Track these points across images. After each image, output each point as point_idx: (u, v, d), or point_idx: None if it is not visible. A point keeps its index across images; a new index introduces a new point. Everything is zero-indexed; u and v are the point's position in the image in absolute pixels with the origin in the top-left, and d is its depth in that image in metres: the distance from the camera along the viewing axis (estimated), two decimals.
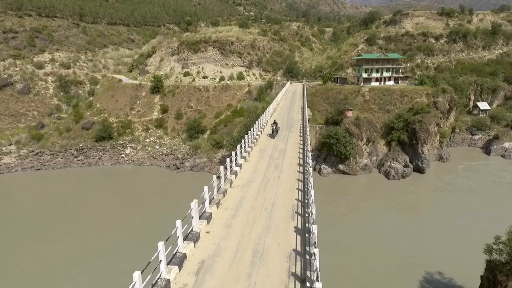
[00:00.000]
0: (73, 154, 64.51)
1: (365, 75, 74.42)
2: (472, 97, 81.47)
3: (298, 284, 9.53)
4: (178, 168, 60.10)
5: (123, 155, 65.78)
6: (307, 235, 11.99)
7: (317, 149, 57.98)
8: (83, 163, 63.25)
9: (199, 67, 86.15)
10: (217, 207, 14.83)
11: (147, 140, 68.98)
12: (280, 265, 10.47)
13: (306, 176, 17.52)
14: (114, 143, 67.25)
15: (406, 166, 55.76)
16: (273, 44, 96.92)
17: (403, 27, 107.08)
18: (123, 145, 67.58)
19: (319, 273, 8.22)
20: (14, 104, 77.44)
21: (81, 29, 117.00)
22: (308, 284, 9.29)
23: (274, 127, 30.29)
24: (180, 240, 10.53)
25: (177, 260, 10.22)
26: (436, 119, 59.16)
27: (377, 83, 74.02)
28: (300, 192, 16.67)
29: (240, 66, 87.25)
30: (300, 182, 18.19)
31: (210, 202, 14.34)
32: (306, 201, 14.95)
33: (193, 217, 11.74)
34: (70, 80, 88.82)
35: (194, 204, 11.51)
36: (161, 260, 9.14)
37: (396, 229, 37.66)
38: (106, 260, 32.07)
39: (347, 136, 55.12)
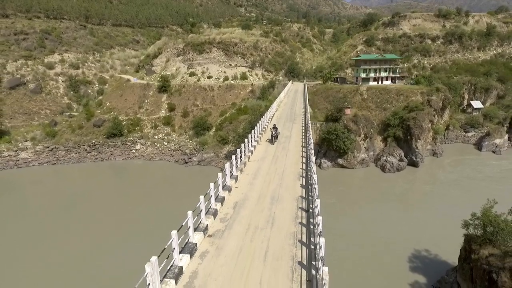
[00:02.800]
0: (86, 150, 68.12)
1: (363, 75, 77.90)
2: (466, 96, 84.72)
3: (304, 213, 13.78)
4: (186, 163, 63.67)
5: (133, 150, 69.39)
6: (309, 187, 16.09)
7: (318, 144, 61.38)
8: (96, 158, 66.90)
9: (204, 67, 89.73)
10: (241, 172, 19.09)
11: (156, 137, 72.57)
12: (291, 204, 14.80)
13: (308, 153, 21.50)
14: (124, 140, 70.86)
15: (401, 160, 59.31)
16: (275, 45, 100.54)
17: (401, 29, 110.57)
18: (133, 141, 71.17)
19: (319, 209, 11.70)
20: (27, 103, 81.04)
21: (88, 30, 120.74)
22: (310, 211, 13.32)
23: (273, 132, 28.25)
24: (220, 188, 14.78)
25: (219, 200, 14.43)
26: (429, 116, 62.68)
27: (375, 83, 77.50)
28: (303, 164, 21.00)
29: (243, 66, 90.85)
30: (304, 158, 22.43)
31: (236, 168, 18.37)
32: (308, 168, 19.03)
33: (226, 175, 15.75)
34: (79, 80, 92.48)
35: (227, 165, 15.69)
36: (211, 196, 12.97)
37: (389, 216, 41.22)
38: (136, 243, 35.34)
39: (346, 132, 58.59)
